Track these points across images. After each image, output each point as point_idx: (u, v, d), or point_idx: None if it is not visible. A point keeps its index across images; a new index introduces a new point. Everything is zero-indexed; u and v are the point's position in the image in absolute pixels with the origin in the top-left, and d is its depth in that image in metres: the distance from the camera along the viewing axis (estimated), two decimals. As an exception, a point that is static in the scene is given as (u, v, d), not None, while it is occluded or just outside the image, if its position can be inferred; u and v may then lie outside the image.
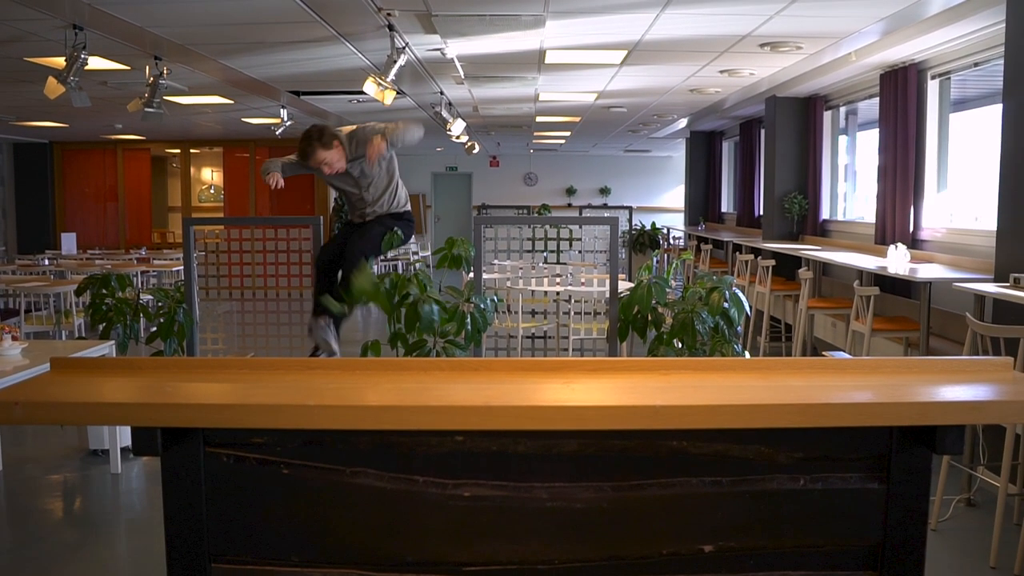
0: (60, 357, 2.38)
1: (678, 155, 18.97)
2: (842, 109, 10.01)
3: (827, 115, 10.12)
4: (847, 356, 4.90)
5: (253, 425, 2.03)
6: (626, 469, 2.05)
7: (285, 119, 10.70)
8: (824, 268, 9.14)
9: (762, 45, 7.17)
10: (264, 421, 2.01)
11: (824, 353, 7.63)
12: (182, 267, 8.21)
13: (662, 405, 2.02)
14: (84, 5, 5.64)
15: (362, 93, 7.19)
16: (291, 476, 2.06)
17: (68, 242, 13.55)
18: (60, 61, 6.34)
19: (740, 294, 4.74)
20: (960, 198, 7.72)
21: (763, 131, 11.61)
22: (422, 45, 7.09)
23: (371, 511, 2.06)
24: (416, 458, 2.03)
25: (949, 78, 7.48)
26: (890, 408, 2.04)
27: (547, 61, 7.92)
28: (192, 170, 17.63)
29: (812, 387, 2.23)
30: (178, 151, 17.10)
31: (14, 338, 4.91)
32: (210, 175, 19.06)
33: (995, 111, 5.81)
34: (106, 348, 5.38)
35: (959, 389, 2.22)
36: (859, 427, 2.06)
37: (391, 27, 6.19)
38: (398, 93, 7.38)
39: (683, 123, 13.74)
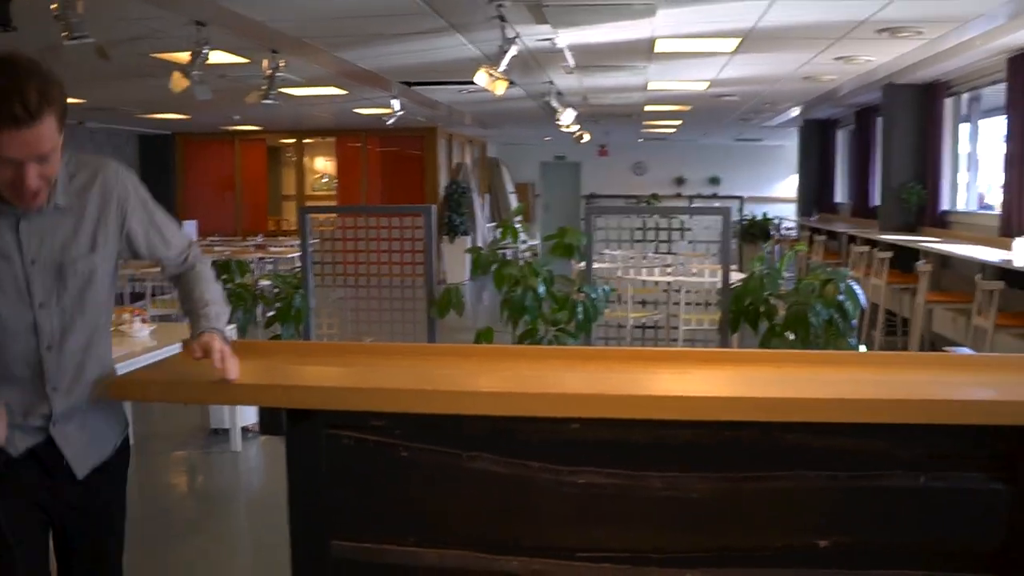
0: (191, 339, 2.48)
1: (790, 144, 18.54)
2: (964, 95, 9.64)
3: (948, 102, 9.76)
4: (970, 352, 4.75)
5: (373, 408, 2.09)
6: (740, 461, 2.05)
7: (396, 109, 10.87)
8: (944, 261, 8.84)
9: (880, 31, 6.96)
10: (384, 404, 2.07)
11: (944, 349, 7.40)
12: (297, 254, 8.45)
13: (779, 397, 2.01)
14: (207, 2, 5.84)
15: (472, 83, 7.26)
16: (409, 458, 2.12)
17: (190, 229, 14.05)
18: (184, 56, 6.59)
19: (855, 287, 4.64)
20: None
21: (880, 119, 11.27)
22: (532, 35, 7.12)
23: (486, 495, 2.10)
24: (532, 444, 2.06)
25: (1083, 62, 7.14)
26: (1017, 406, 1.99)
27: (657, 50, 7.85)
28: (306, 159, 18.06)
29: (934, 383, 2.18)
30: (292, 141, 17.55)
31: (143, 321, 5.14)
32: (323, 164, 19.50)
33: None
34: (227, 331, 5.58)
35: (1091, 388, 2.14)
36: (984, 425, 2.01)
37: (502, 18, 6.23)
38: (509, 84, 7.42)
39: (796, 111, 13.44)
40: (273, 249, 11.99)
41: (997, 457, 2.02)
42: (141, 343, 4.81)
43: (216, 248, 12.00)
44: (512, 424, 2.05)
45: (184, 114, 13.17)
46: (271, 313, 5.81)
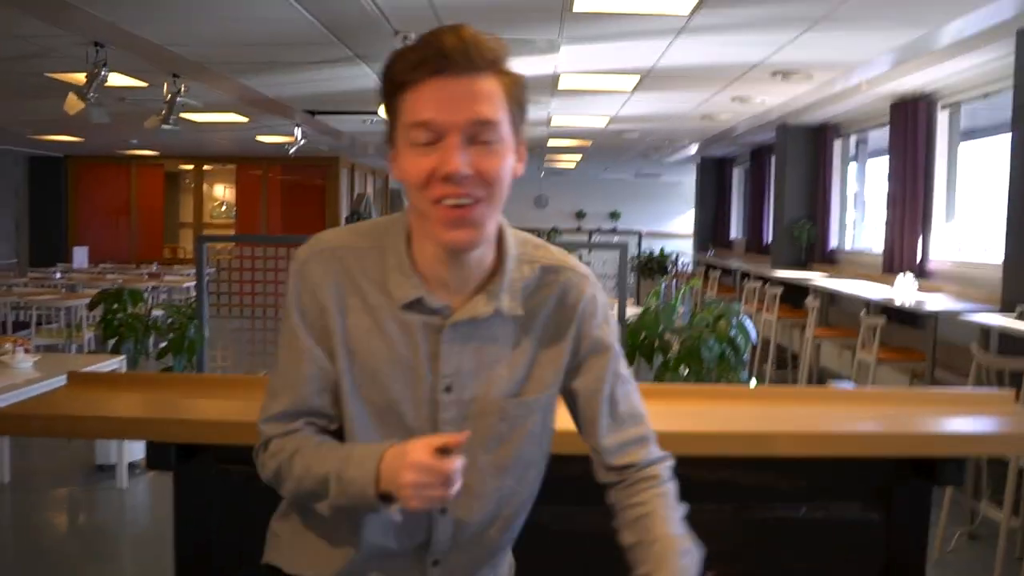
0: (77, 371, 2.42)
1: (688, 180, 19.03)
2: (852, 138, 10.05)
3: (837, 143, 10.16)
4: (852, 386, 4.92)
5: (264, 443, 2.06)
6: (630, 494, 2.07)
7: (299, 138, 10.78)
8: (831, 297, 9.15)
9: (774, 74, 7.22)
10: (275, 439, 2.04)
11: (830, 382, 7.64)
12: (193, 283, 8.27)
13: (665, 431, 2.05)
14: (106, 23, 5.72)
15: (376, 114, 7.26)
16: (301, 494, 2.09)
17: (80, 256, 13.64)
18: (81, 77, 6.43)
19: (747, 322, 4.77)
20: (969, 228, 7.74)
21: (773, 158, 11.65)
22: (436, 68, 7.16)
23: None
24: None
25: (959, 108, 7.52)
26: (891, 439, 2.07)
27: (560, 86, 7.98)
28: (205, 186, 17.73)
29: (816, 416, 2.25)
30: (191, 167, 17.23)
31: (26, 351, 4.96)
32: (222, 192, 19.18)
33: (1006, 140, 5.81)
34: (116, 363, 5.42)
35: (961, 421, 2.25)
36: (861, 457, 2.09)
37: (407, 50, 6.26)
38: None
39: (694, 149, 13.80)
40: (168, 278, 11.70)
41: (874, 488, 2.11)
42: (23, 375, 4.64)
43: (108, 276, 11.66)
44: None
45: (78, 136, 12.82)
46: (163, 344, 5.67)
